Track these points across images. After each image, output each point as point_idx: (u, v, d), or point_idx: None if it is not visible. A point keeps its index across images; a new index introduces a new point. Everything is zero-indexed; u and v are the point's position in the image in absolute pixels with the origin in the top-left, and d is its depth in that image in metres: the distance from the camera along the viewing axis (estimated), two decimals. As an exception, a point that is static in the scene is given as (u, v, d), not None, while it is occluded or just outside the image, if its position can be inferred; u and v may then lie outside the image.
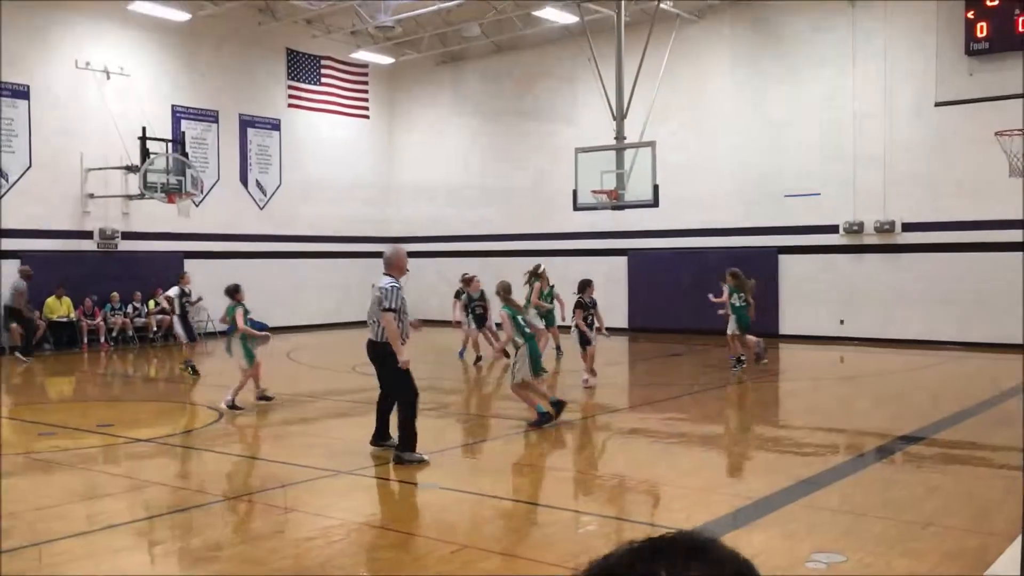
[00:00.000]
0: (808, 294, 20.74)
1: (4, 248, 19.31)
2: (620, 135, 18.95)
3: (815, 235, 20.64)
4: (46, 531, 6.37)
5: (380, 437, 8.68)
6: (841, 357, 17.93)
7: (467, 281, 17.41)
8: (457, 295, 17.67)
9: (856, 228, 19.99)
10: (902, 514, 6.51)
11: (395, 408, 8.54)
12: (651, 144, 18.32)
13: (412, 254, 28.34)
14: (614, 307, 23.61)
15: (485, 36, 24.85)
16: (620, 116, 19.07)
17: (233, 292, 12.05)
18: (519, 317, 10.23)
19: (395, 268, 8.73)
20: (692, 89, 22.16)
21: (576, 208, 19.48)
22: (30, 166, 19.94)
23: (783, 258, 21.14)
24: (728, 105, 21.86)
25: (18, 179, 19.77)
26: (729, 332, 15.10)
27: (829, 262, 20.53)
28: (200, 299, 17.59)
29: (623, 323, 23.45)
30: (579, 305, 13.01)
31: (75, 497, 7.44)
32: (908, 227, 19.50)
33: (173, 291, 15.64)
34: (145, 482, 7.82)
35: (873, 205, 19.81)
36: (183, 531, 6.50)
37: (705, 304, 21.82)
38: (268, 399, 11.91)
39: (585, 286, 13.31)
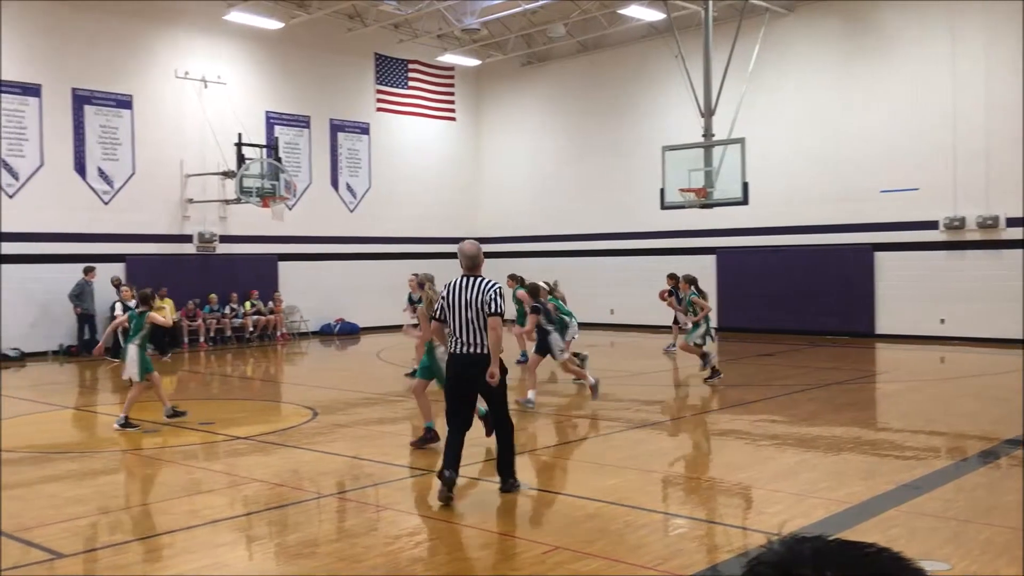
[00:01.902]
0: (906, 292, 20.11)
1: (110, 252, 20.14)
2: (708, 132, 18.69)
3: (913, 231, 19.99)
4: (151, 526, 6.62)
5: (453, 465, 6.95)
6: (942, 357, 17.32)
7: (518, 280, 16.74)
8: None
9: (957, 224, 19.29)
10: (1009, 521, 6.25)
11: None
12: (740, 141, 18.04)
13: (498, 254, 28.73)
14: (703, 306, 23.32)
15: (570, 36, 24.83)
16: (708, 113, 18.80)
17: (146, 299, 11.10)
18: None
19: (481, 268, 7.62)
20: (782, 84, 21.72)
21: (663, 207, 19.29)
22: (133, 173, 20.76)
23: (879, 255, 20.54)
24: (820, 100, 21.35)
25: (122, 186, 20.60)
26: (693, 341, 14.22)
27: (928, 259, 19.86)
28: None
29: (711, 322, 23.12)
30: (534, 311, 11.98)
31: (178, 493, 7.71)
32: (1013, 222, 18.73)
33: (117, 306, 14.50)
34: (244, 479, 8.05)
35: (975, 200, 19.09)
36: (280, 527, 6.66)
37: (798, 303, 21.46)
38: (180, 415, 10.94)
39: (538, 291, 12.32)
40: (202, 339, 20.99)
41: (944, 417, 10.77)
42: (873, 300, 20.63)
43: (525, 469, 8.14)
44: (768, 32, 20.63)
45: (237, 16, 21.35)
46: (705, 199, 18.47)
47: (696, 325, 14.21)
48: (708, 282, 23.27)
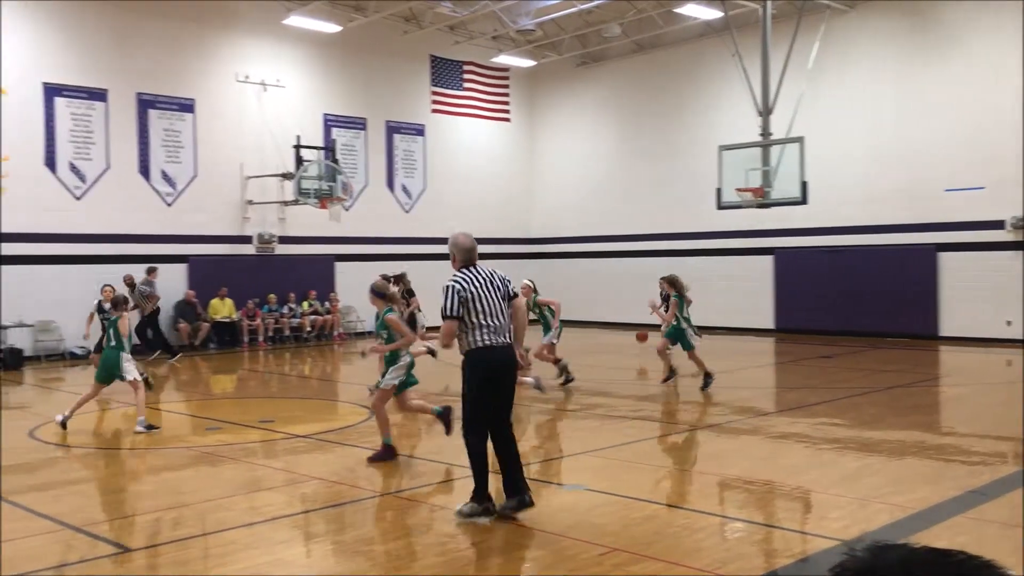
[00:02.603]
0: (970, 293, 19.63)
1: (172, 253, 20.57)
2: (766, 131, 18.46)
3: (978, 231, 19.50)
4: (213, 522, 6.74)
5: (518, 488, 6.44)
6: (1008, 360, 16.86)
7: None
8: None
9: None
10: (1083, 530, 6.06)
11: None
12: (799, 140, 17.78)
13: (551, 255, 28.65)
14: (758, 307, 23.06)
15: (625, 36, 24.71)
16: (766, 112, 18.57)
17: (118, 304, 10.95)
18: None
19: None
20: (843, 82, 21.35)
21: (720, 207, 19.09)
22: (195, 175, 21.19)
23: (943, 256, 20.09)
24: (882, 97, 20.93)
25: (185, 188, 21.03)
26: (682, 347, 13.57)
27: (994, 260, 19.35)
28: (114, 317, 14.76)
29: (769, 324, 22.86)
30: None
31: (239, 489, 7.84)
32: (1084, 222, 18.17)
33: (94, 305, 13.99)
34: (303, 476, 8.16)
35: (1044, 199, 18.56)
36: (338, 525, 6.74)
37: (858, 304, 21.07)
38: (153, 428, 10.42)
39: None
40: (261, 338, 21.34)
41: (1011, 422, 10.48)
42: (936, 301, 20.17)
43: (581, 470, 8.12)
44: (828, 29, 20.30)
45: (296, 20, 21.67)
46: (763, 199, 18.24)
47: (680, 328, 13.57)
48: (765, 283, 23.03)
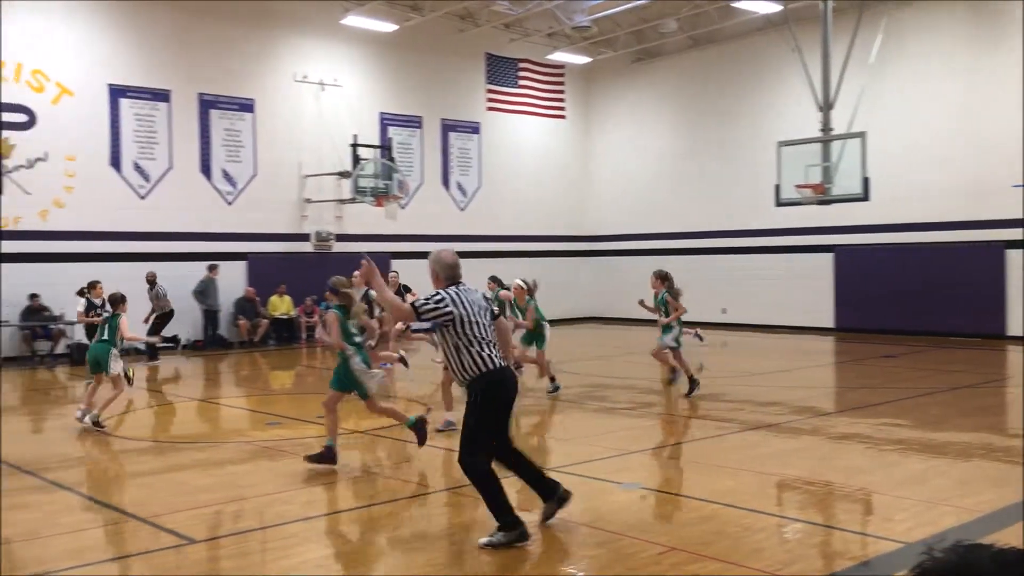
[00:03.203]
0: (1040, 292, 19.07)
1: (232, 250, 20.92)
2: (827, 126, 18.14)
3: (1048, 228, 18.94)
4: (272, 515, 6.82)
5: (551, 487, 6.32)
6: (1080, 361, 16.34)
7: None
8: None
9: (1097, 219, 18.18)
10: None
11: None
12: (861, 135, 17.44)
13: (607, 253, 28.51)
14: (818, 305, 22.69)
15: (682, 31, 24.48)
16: (827, 107, 18.24)
17: (118, 302, 10.95)
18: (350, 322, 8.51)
19: None
20: (905, 75, 20.89)
21: (779, 204, 18.81)
22: (255, 174, 21.53)
23: (1011, 253, 19.54)
24: (946, 91, 20.43)
25: (245, 186, 21.38)
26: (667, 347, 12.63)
27: (1065, 257, 18.78)
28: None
29: (829, 322, 22.49)
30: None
31: (298, 484, 7.93)
32: None
33: (80, 304, 13.40)
34: (360, 472, 8.23)
35: (1119, 194, 17.94)
36: (394, 520, 6.78)
37: (922, 303, 20.59)
38: (101, 426, 10.41)
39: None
40: (318, 335, 21.56)
41: (1085, 424, 10.15)
42: (1004, 300, 19.63)
43: (636, 469, 8.05)
44: (891, 22, 19.87)
45: (353, 20, 21.88)
46: (823, 195, 17.93)
47: (668, 328, 12.54)
48: (825, 280, 22.64)
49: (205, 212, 20.70)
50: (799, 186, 18.09)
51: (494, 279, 14.72)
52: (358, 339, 8.54)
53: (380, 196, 21.43)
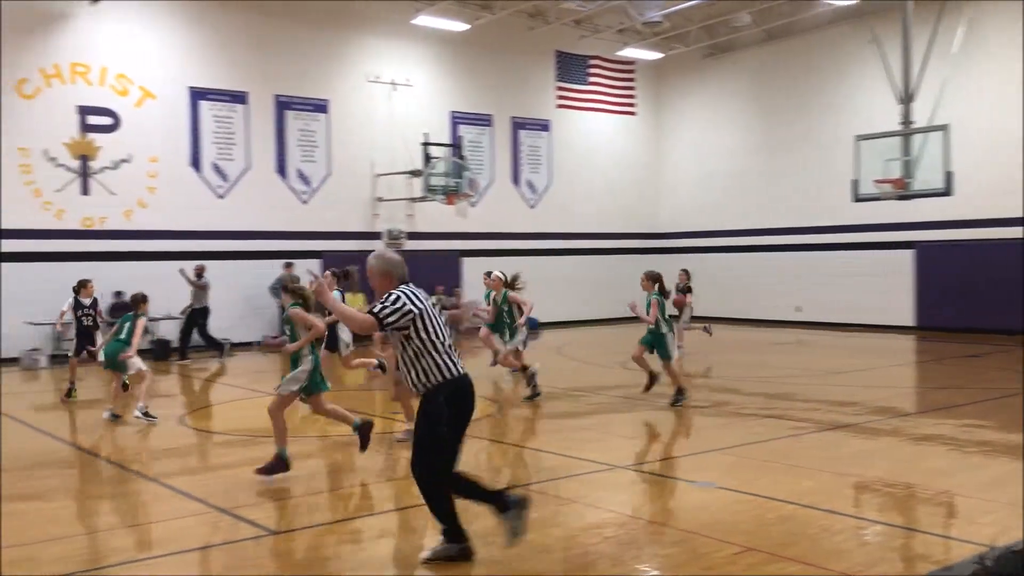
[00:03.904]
0: None
1: (307, 249, 21.30)
2: (907, 119, 17.66)
3: None
4: (352, 508, 6.93)
5: (502, 495, 5.61)
6: None
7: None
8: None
9: None
10: None
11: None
12: (943, 128, 16.94)
13: (679, 250, 28.25)
14: (897, 303, 22.14)
15: (755, 25, 24.10)
16: (907, 99, 17.76)
17: (139, 301, 11.07)
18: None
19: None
20: (990, 66, 20.23)
21: (856, 199, 18.37)
22: (329, 174, 21.89)
23: (1103, 249, 18.77)
24: (1034, 81, 19.71)
25: (319, 186, 21.76)
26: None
27: None
28: (101, 318, 13.64)
29: (909, 320, 21.92)
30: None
31: (373, 478, 8.04)
32: None
33: (67, 303, 13.01)
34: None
35: None
36: (465, 516, 6.79)
37: (1008, 300, 19.90)
38: (117, 416, 10.92)
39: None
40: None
41: None
42: (1096, 298, 18.87)
43: (711, 467, 7.96)
44: (975, 11, 19.26)
45: (425, 20, 22.07)
46: (903, 190, 17.46)
47: (658, 333, 11.44)
48: (905, 278, 22.05)
49: (281, 211, 21.12)
50: (878, 181, 17.65)
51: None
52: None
53: (451, 194, 21.60)
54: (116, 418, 10.93)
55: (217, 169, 20.42)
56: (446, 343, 5.46)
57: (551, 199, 25.79)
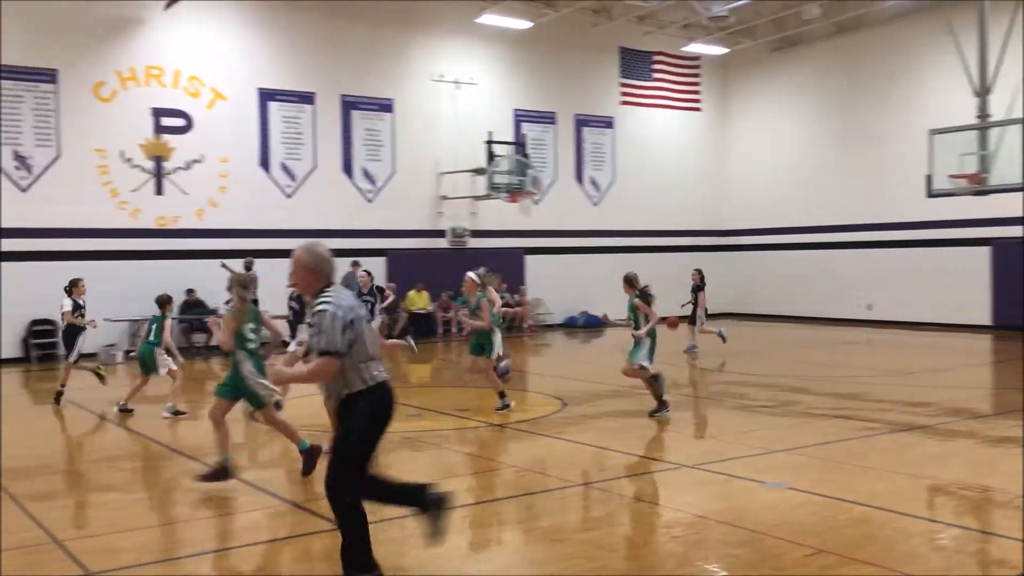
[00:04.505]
0: None
1: (372, 247, 21.55)
2: (984, 113, 17.15)
3: None
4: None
5: (421, 493, 5.24)
6: None
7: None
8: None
9: None
10: None
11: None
12: (1021, 121, 16.40)
13: (748, 247, 27.87)
14: (972, 302, 21.54)
15: (825, 17, 23.63)
16: (983, 92, 17.25)
17: (164, 303, 11.35)
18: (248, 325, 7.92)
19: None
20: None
21: (930, 195, 17.92)
22: (394, 172, 22.11)
23: None
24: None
25: (384, 184, 21.99)
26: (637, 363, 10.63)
27: None
28: (93, 321, 12.79)
29: (985, 319, 21.30)
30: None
31: (437, 475, 8.10)
32: None
33: (66, 303, 12.36)
34: (498, 464, 8.33)
35: None
36: (531, 513, 6.81)
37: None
38: (129, 410, 11.28)
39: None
40: (454, 329, 21.98)
41: None
42: None
43: (781, 468, 7.83)
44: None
45: (489, 18, 22.14)
46: (979, 185, 16.97)
47: (638, 343, 10.61)
48: (981, 276, 21.42)
49: (347, 210, 21.40)
50: (953, 176, 17.18)
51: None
52: (253, 344, 7.94)
53: (514, 192, 21.65)
54: (179, 414, 11.16)
55: (285, 169, 20.78)
56: (374, 351, 5.04)
57: (614, 196, 25.66)
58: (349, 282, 20.70)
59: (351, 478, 4.98)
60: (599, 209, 25.45)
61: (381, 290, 15.13)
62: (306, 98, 20.97)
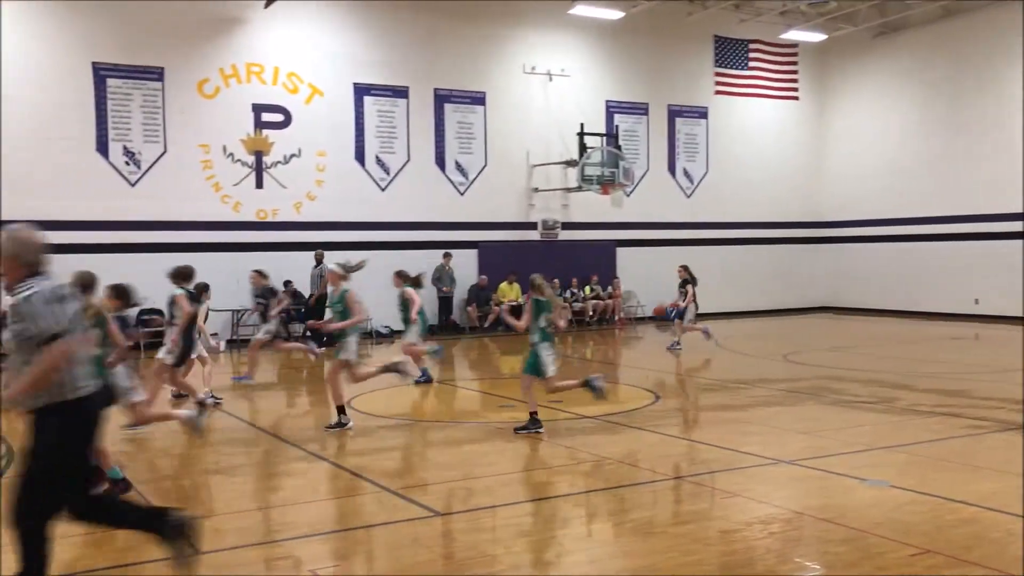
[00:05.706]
0: None
1: (464, 239, 21.74)
2: (1102, 97, 16.27)
3: None
4: (503, 495, 7.03)
5: (161, 517, 4.78)
6: None
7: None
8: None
9: None
10: None
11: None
12: None
13: (844, 239, 27.12)
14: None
15: (931, 1, 22.77)
16: (1103, 75, 16.36)
17: (201, 291, 11.51)
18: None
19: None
20: None
21: (1043, 184, 17.11)
22: (486, 165, 22.25)
23: None
24: None
25: (476, 177, 22.15)
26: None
27: None
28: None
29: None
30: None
31: (532, 465, 8.15)
32: None
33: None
34: (589, 456, 8.31)
35: None
36: (621, 506, 6.78)
37: None
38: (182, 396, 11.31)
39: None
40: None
41: None
42: None
43: (883, 465, 7.61)
44: None
45: (581, 9, 22.04)
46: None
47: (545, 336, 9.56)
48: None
49: (440, 202, 21.63)
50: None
51: (399, 274, 13.76)
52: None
53: (606, 184, 21.53)
54: (218, 402, 11.49)
55: (380, 162, 21.11)
56: (84, 356, 4.56)
57: (708, 188, 25.27)
58: (440, 274, 20.99)
59: (41, 506, 4.40)
60: (692, 200, 25.11)
61: (275, 292, 14.30)
62: (400, 92, 21.26)
